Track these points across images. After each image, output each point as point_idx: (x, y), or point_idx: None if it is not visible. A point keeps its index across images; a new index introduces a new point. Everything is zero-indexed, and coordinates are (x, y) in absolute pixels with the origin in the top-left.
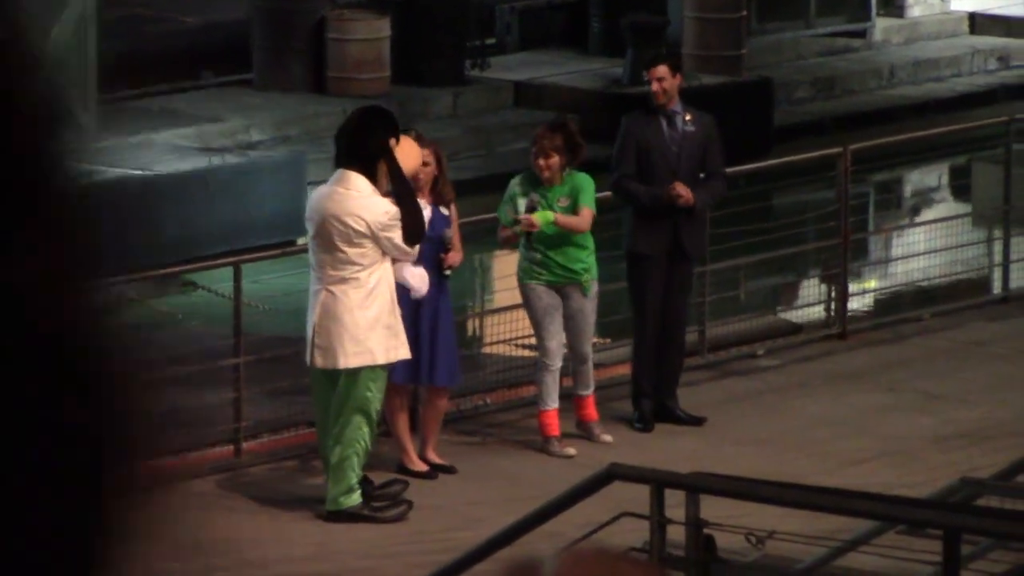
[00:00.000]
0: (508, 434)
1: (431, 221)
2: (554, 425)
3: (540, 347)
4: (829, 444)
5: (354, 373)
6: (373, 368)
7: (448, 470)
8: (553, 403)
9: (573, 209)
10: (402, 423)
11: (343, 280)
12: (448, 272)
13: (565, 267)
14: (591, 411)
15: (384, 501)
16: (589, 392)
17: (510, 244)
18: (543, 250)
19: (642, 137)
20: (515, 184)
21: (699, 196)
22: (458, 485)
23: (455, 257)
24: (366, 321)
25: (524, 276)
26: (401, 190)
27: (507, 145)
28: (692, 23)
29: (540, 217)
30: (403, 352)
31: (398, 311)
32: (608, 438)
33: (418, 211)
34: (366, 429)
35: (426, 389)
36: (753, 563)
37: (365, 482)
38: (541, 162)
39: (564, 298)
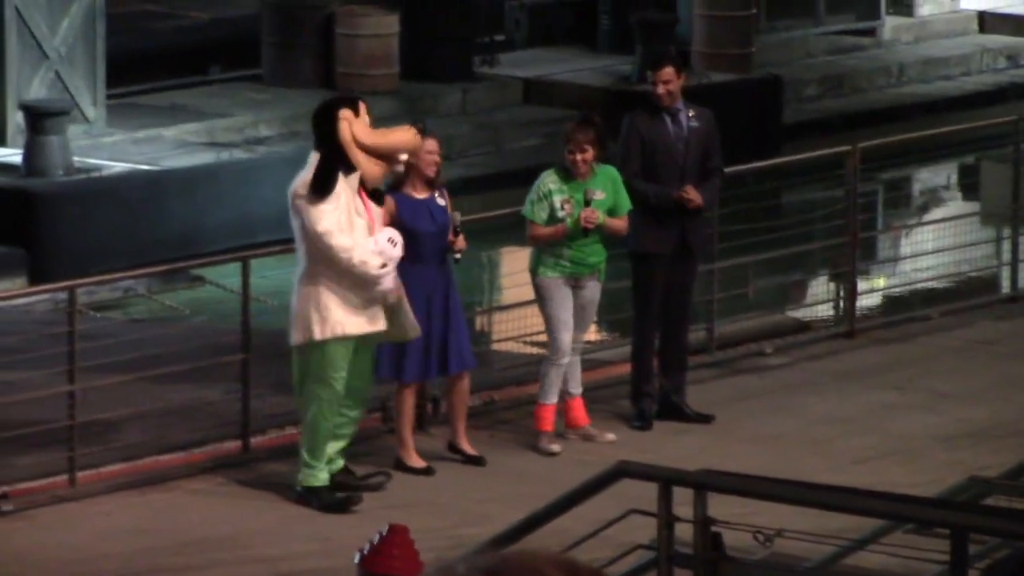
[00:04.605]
0: (516, 431)
1: (432, 212)
2: (552, 420)
3: (553, 341)
4: (837, 442)
5: (300, 351)
6: (319, 345)
7: (478, 461)
8: (555, 398)
9: (612, 204)
10: (407, 419)
11: (297, 261)
12: (458, 256)
13: (584, 262)
14: (583, 413)
15: (364, 489)
16: (580, 391)
17: (541, 243)
18: (572, 244)
19: (647, 135)
20: (548, 182)
21: (706, 197)
22: (466, 482)
23: (463, 241)
24: (304, 299)
25: (543, 270)
26: (335, 155)
27: (516, 142)
28: (702, 20)
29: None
30: (338, 330)
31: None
32: (612, 436)
33: (331, 174)
34: (321, 409)
35: (445, 379)
36: (761, 561)
37: (346, 472)
38: (578, 157)
39: (578, 288)
